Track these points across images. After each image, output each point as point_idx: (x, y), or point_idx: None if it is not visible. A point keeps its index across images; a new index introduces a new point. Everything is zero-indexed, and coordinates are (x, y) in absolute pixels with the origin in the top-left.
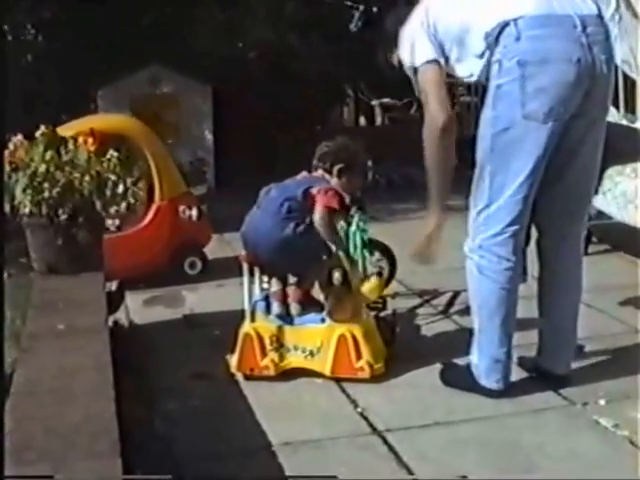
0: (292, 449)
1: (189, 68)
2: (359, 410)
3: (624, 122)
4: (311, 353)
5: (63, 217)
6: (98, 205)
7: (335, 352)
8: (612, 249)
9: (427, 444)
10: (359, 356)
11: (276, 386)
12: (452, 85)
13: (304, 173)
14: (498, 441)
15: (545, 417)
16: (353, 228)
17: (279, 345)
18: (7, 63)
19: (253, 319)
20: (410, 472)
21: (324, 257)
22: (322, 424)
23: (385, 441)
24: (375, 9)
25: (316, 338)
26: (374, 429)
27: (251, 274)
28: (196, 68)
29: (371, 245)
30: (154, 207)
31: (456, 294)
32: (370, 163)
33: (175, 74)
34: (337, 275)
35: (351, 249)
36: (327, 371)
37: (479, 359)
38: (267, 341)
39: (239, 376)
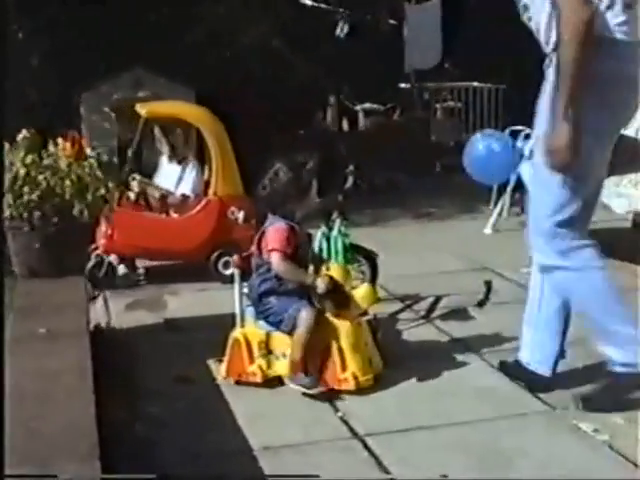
0: (272, 453)
1: (172, 72)
2: (339, 415)
3: None
4: None
5: (43, 221)
6: (78, 209)
7: (320, 362)
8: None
9: (408, 448)
10: (344, 368)
11: (257, 390)
12: (436, 90)
13: (269, 217)
14: (479, 445)
15: (526, 421)
16: (334, 233)
17: (267, 352)
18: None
19: (242, 324)
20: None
21: (294, 306)
22: (302, 428)
23: (365, 445)
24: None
25: None
26: (354, 433)
27: (242, 279)
28: (180, 72)
29: (353, 250)
30: (204, 200)
31: (438, 299)
32: (352, 167)
33: (158, 77)
34: (321, 285)
35: (332, 254)
36: None
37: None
38: (255, 347)
39: (220, 380)
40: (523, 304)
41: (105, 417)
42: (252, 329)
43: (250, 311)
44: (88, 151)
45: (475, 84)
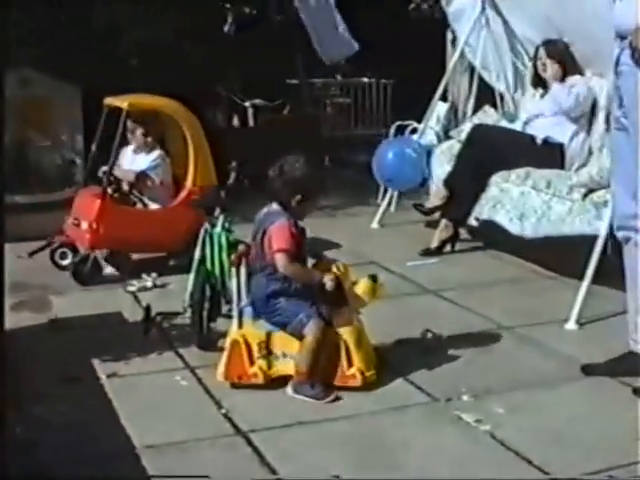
0: (156, 451)
1: (60, 70)
2: (223, 411)
3: (503, 123)
4: None
5: None
6: None
7: (325, 360)
8: (481, 246)
9: (291, 443)
10: (350, 364)
11: (140, 389)
12: (325, 86)
13: (264, 209)
14: (362, 438)
15: (408, 414)
16: (218, 229)
17: (267, 352)
18: None
19: (240, 325)
20: (273, 471)
21: (305, 313)
22: (186, 426)
23: (249, 442)
24: (248, 11)
25: None
26: (238, 430)
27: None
28: (68, 70)
29: (237, 246)
30: (185, 191)
31: None
32: (234, 164)
33: (45, 76)
34: (329, 282)
35: (215, 250)
36: None
37: None
38: (255, 348)
39: (104, 379)
40: (408, 297)
41: None
42: (251, 330)
43: (248, 311)
44: None
45: (364, 80)
